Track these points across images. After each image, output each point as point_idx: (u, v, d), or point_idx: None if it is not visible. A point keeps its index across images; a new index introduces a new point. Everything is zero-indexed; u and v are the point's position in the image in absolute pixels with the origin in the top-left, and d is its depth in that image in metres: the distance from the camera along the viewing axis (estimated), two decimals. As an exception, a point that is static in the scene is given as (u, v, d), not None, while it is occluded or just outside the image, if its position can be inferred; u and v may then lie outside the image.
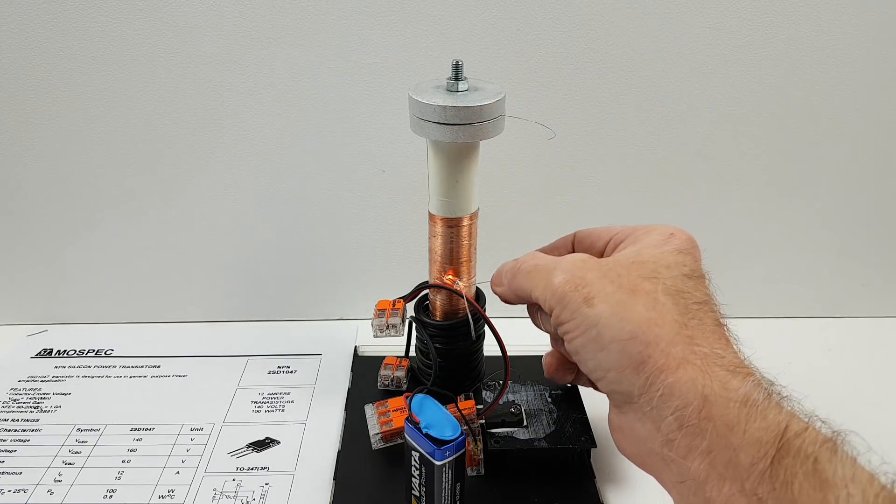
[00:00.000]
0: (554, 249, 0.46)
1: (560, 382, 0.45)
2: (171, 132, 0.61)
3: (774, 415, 0.28)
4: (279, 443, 0.54)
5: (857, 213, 0.68)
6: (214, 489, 0.49)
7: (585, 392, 0.54)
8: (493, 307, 0.54)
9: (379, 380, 0.54)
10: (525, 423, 0.50)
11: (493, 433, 0.49)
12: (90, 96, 0.59)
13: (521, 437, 0.49)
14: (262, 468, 0.51)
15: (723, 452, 0.28)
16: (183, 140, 0.61)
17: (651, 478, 0.34)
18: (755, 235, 0.68)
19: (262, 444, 0.54)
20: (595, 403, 0.53)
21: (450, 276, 0.50)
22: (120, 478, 0.50)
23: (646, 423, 0.32)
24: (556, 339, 0.41)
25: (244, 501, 0.48)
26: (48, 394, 0.60)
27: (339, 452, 0.53)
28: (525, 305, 0.44)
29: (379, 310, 0.52)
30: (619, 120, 0.62)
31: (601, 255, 0.42)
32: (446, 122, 0.42)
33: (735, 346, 0.33)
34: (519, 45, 0.59)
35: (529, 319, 0.45)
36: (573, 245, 0.45)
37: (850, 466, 0.26)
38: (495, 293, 0.45)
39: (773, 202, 0.67)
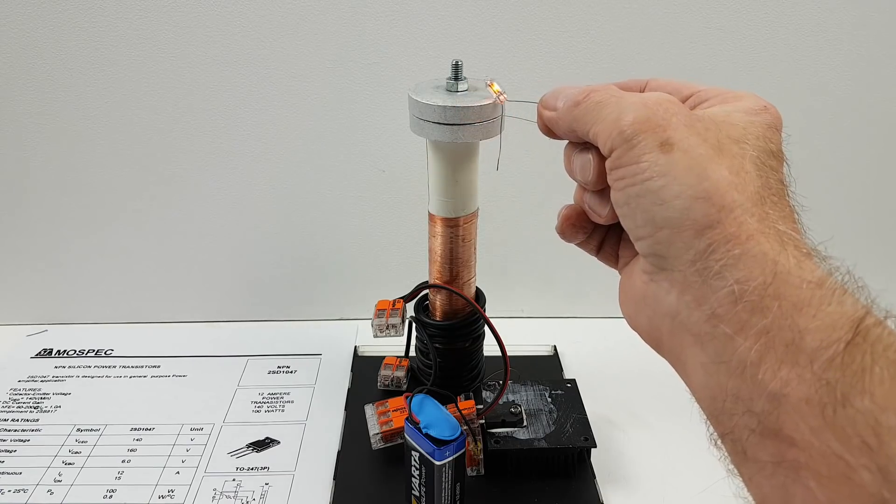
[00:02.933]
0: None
1: (568, 241, 0.40)
2: (171, 132, 0.61)
3: (852, 302, 0.25)
4: (279, 443, 0.54)
5: (856, 212, 0.68)
6: (214, 489, 0.50)
7: (585, 392, 0.54)
8: (493, 307, 0.55)
9: (379, 380, 0.54)
10: (525, 423, 0.50)
11: (493, 433, 0.49)
12: (90, 97, 0.59)
13: (521, 437, 0.49)
14: (262, 468, 0.51)
15: (783, 333, 0.25)
16: (183, 140, 0.61)
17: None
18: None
19: (262, 444, 0.54)
20: (595, 403, 0.53)
21: (492, 86, 0.42)
22: (120, 478, 0.50)
23: (685, 294, 0.29)
24: (589, 191, 0.36)
25: (244, 501, 0.48)
26: (48, 394, 0.60)
27: (339, 452, 0.53)
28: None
29: (379, 310, 0.52)
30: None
31: None
32: (446, 122, 0.42)
33: (807, 236, 0.30)
34: (519, 45, 0.58)
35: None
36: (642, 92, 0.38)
37: None
38: (541, 116, 0.37)
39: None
